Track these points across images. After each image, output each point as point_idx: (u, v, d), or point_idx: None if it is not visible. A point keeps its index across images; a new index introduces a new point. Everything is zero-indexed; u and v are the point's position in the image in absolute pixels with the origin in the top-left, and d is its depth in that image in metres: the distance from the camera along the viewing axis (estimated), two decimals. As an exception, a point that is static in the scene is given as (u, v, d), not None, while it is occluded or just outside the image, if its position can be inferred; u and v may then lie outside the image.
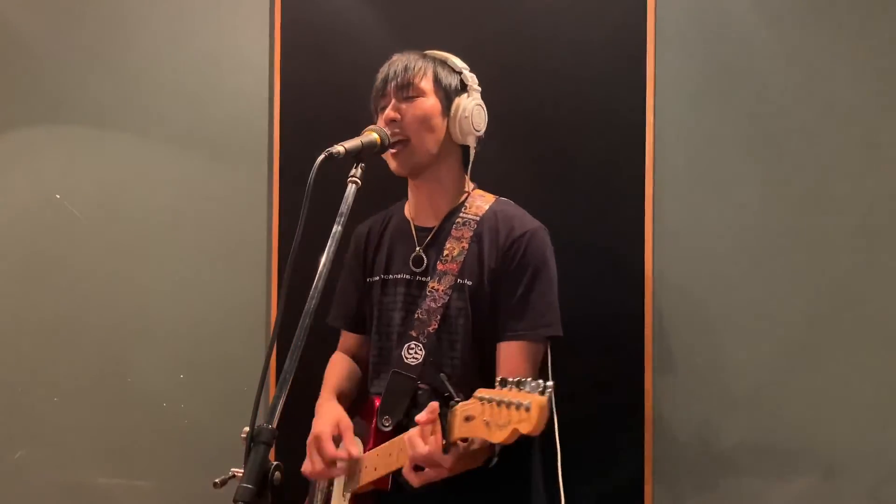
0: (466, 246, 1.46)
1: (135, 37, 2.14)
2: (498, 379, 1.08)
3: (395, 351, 1.47)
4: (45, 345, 2.16)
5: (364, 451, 1.43)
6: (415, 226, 1.54)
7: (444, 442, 1.17)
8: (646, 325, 1.77)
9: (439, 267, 1.46)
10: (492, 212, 1.50)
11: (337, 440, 1.40)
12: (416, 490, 1.28)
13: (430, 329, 1.43)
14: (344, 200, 1.25)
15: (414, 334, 1.44)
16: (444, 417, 1.17)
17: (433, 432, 1.19)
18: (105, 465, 2.12)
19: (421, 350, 1.42)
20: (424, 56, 1.50)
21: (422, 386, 1.37)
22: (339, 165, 1.27)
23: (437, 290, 1.44)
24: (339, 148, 1.26)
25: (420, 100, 1.45)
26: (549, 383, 1.01)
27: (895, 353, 1.67)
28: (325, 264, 1.19)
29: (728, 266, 1.76)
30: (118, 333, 2.13)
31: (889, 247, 1.68)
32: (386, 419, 1.41)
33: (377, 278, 1.54)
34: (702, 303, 1.77)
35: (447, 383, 1.19)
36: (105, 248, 2.14)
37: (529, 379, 1.03)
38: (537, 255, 1.45)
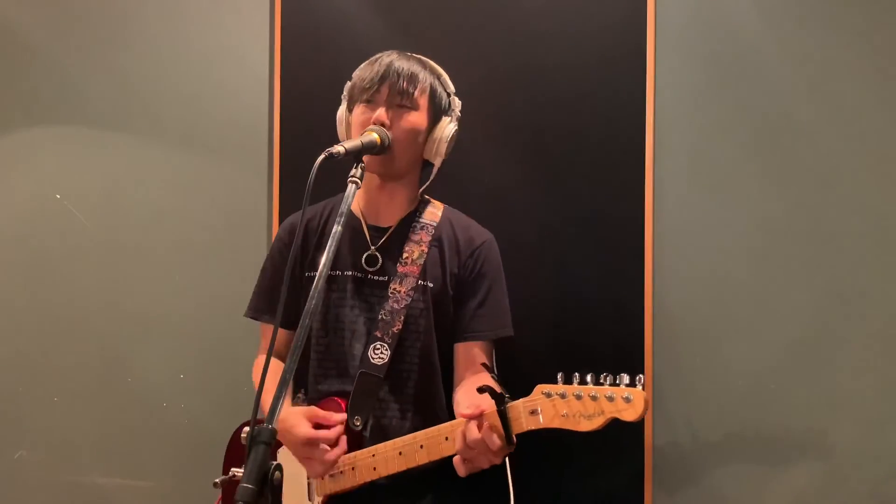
0: (426, 249, 1.51)
1: (135, 37, 2.15)
2: (560, 374, 1.21)
3: (347, 349, 1.50)
4: (45, 345, 2.16)
5: (332, 451, 1.44)
6: (367, 224, 1.55)
7: (506, 435, 1.25)
8: (645, 325, 1.77)
9: (399, 269, 1.50)
10: (446, 219, 1.56)
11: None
12: (385, 483, 1.39)
13: (395, 329, 1.47)
14: (344, 200, 1.25)
15: (379, 335, 1.47)
16: (504, 412, 1.24)
17: (490, 426, 1.25)
18: (105, 465, 2.13)
19: (387, 350, 1.46)
20: (424, 66, 1.51)
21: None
22: (339, 165, 1.27)
23: (399, 292, 1.48)
24: (339, 148, 1.27)
25: (413, 113, 1.47)
26: (640, 375, 1.17)
27: (895, 352, 1.67)
28: (325, 264, 1.19)
29: (728, 265, 1.76)
30: (118, 333, 2.13)
31: (890, 246, 1.68)
32: (356, 419, 1.45)
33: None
34: (702, 302, 1.77)
35: (497, 380, 1.25)
36: (105, 248, 2.14)
37: (605, 373, 1.18)
38: (494, 264, 1.55)
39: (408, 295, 1.48)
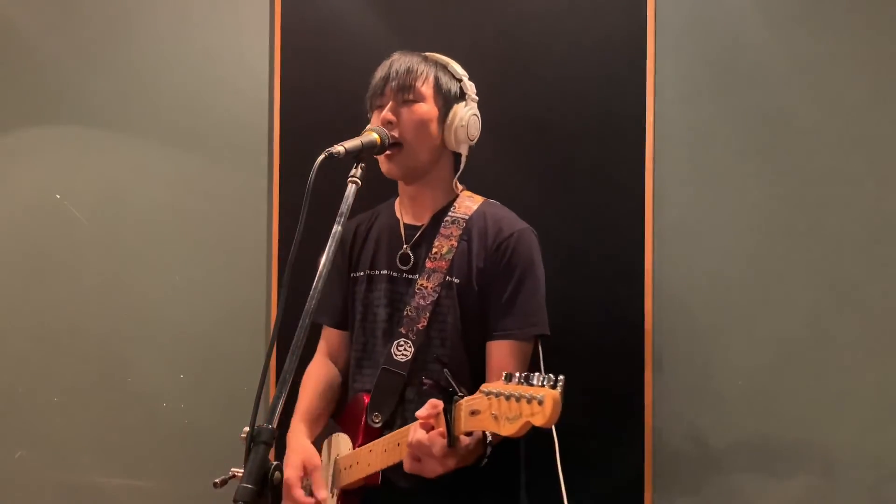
0: (455, 244, 1.48)
1: (135, 37, 2.15)
2: (504, 373, 1.11)
3: (379, 347, 1.49)
4: (46, 345, 2.16)
5: (353, 447, 1.45)
6: (403, 224, 1.55)
7: (448, 435, 1.18)
8: (645, 326, 1.77)
9: (428, 265, 1.47)
10: (480, 212, 1.51)
11: (306, 486, 1.41)
12: (405, 486, 1.35)
13: (420, 326, 1.45)
14: (344, 200, 1.25)
15: (403, 331, 1.45)
16: (449, 412, 1.19)
17: (437, 426, 1.20)
18: (105, 465, 2.12)
19: (410, 347, 1.44)
20: (426, 59, 1.50)
21: (426, 381, 1.37)
22: (339, 165, 1.27)
23: (426, 288, 1.46)
24: (339, 148, 1.26)
25: (418, 105, 1.46)
26: (561, 377, 1.04)
27: (895, 352, 1.67)
28: (324, 264, 1.19)
29: (728, 266, 1.76)
30: (118, 333, 2.13)
31: (889, 246, 1.68)
32: (376, 415, 1.44)
33: (361, 273, 1.55)
34: (702, 303, 1.77)
35: (450, 379, 1.20)
36: (105, 249, 2.14)
37: (538, 373, 1.06)
38: (525, 256, 1.47)
39: (434, 291, 1.45)
